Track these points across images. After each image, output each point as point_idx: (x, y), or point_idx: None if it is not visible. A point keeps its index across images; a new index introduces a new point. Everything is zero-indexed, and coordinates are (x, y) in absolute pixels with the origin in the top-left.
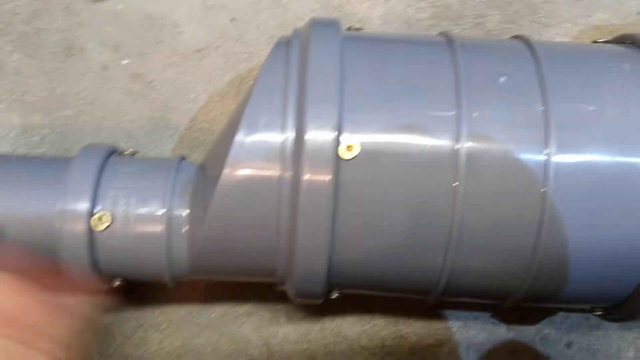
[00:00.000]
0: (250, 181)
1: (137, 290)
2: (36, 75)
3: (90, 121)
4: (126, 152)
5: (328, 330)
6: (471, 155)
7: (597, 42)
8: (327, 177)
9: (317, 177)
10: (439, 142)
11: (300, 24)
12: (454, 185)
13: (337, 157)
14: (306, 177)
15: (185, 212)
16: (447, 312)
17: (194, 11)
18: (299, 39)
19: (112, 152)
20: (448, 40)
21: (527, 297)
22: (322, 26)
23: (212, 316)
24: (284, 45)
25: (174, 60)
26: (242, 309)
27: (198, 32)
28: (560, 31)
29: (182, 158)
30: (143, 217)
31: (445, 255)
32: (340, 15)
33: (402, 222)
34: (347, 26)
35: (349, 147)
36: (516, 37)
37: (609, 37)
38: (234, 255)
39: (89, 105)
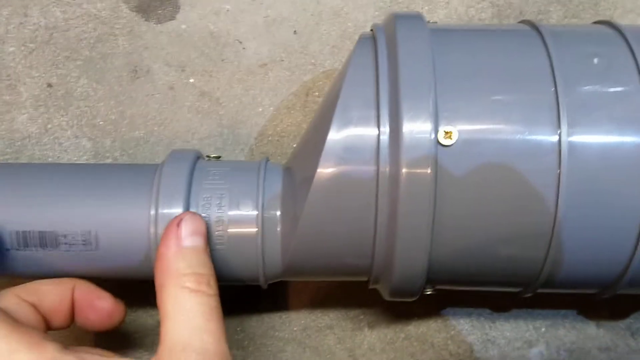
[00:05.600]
0: (346, 177)
1: None
2: (104, 99)
3: (161, 141)
4: (212, 156)
5: (414, 338)
6: (572, 138)
7: None
8: (426, 167)
9: (416, 167)
10: (538, 127)
11: (361, 32)
12: (557, 172)
13: (436, 145)
14: (405, 168)
15: (277, 212)
16: (535, 312)
17: (256, 27)
18: (385, 33)
19: (199, 157)
20: (533, 27)
21: (628, 285)
22: (406, 18)
23: (294, 329)
24: (368, 39)
25: (240, 76)
26: (323, 321)
27: (261, 47)
28: (624, 22)
29: (267, 159)
30: (237, 218)
31: (549, 245)
32: None
33: (503, 211)
34: None
35: (447, 134)
36: (598, 22)
37: None
38: (329, 254)
39: (158, 126)
